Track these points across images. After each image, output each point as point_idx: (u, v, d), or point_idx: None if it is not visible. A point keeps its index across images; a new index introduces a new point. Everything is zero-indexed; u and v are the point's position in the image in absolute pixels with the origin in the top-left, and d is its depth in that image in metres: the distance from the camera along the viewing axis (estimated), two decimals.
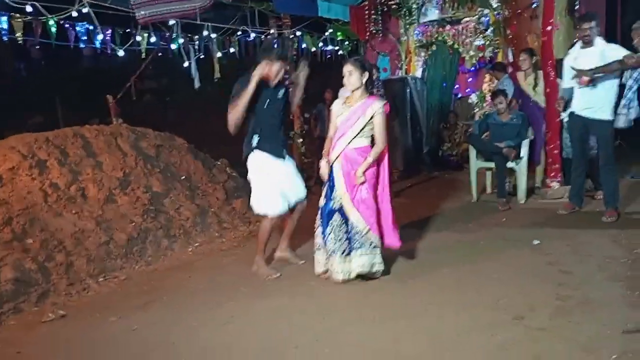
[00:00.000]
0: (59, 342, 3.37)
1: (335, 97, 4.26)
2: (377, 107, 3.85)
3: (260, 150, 4.11)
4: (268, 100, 4.09)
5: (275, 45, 4.46)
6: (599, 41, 5.01)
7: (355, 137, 3.87)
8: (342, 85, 4.07)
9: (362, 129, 3.86)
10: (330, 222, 3.89)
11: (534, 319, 3.14)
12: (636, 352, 2.68)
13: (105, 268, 4.56)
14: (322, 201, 3.98)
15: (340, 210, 3.88)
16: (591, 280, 3.68)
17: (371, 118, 3.85)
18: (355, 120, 3.86)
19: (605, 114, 5.03)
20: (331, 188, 3.93)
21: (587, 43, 5.00)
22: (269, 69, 4.04)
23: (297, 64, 4.28)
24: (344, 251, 3.86)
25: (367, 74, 3.88)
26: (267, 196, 4.14)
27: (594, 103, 5.02)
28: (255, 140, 4.10)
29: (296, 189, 4.28)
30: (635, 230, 4.67)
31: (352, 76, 3.85)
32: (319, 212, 4.00)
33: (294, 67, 7.37)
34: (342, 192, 3.88)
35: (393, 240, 4.00)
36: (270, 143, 4.13)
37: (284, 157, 4.23)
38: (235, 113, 4.00)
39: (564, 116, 5.45)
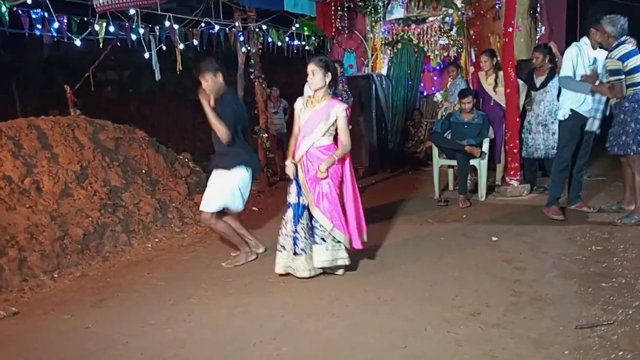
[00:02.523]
0: (10, 340, 3.26)
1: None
2: (339, 110, 3.86)
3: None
4: None
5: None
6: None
7: (318, 139, 3.88)
8: (305, 82, 4.05)
9: (325, 131, 3.87)
10: (301, 219, 3.90)
11: (489, 315, 3.20)
12: (587, 348, 2.76)
13: (60, 264, 4.44)
14: (292, 199, 3.95)
15: (309, 208, 3.91)
16: (545, 277, 3.77)
17: (335, 121, 3.86)
18: (318, 122, 3.87)
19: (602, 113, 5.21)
20: (299, 186, 3.93)
21: (597, 48, 5.07)
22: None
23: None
24: (311, 248, 3.89)
25: (330, 75, 3.87)
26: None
27: (596, 104, 5.14)
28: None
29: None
30: (590, 228, 4.82)
31: (315, 76, 3.84)
32: (289, 210, 3.96)
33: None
34: (305, 192, 3.89)
35: (355, 241, 3.99)
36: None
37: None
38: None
39: (563, 116, 5.31)
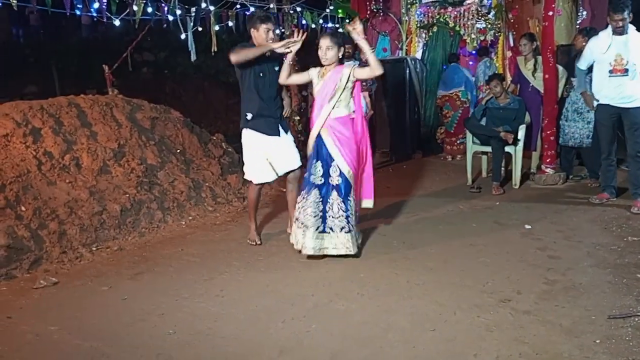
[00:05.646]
0: (50, 308, 3.40)
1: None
2: (348, 69, 3.95)
3: (251, 129, 4.27)
4: (261, 74, 4.18)
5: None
6: (630, 30, 4.84)
7: (334, 107, 3.95)
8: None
9: (340, 96, 3.93)
10: (329, 199, 3.95)
11: (520, 302, 3.19)
12: (619, 338, 2.73)
13: (98, 238, 4.58)
14: (318, 180, 3.98)
15: (338, 187, 3.94)
16: (579, 266, 3.72)
17: (347, 82, 3.92)
18: (332, 87, 3.93)
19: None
20: (326, 164, 3.96)
21: (620, 33, 4.83)
22: (264, 37, 4.16)
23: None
24: (342, 228, 3.93)
25: (342, 49, 4.01)
26: (252, 166, 4.37)
27: (630, 92, 4.87)
28: (249, 117, 4.25)
29: (287, 161, 4.39)
30: (627, 218, 4.71)
31: (330, 51, 3.94)
32: (315, 191, 3.97)
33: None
34: (346, 169, 3.94)
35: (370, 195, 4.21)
36: (262, 121, 4.25)
37: (277, 134, 4.31)
38: (242, 57, 4.07)
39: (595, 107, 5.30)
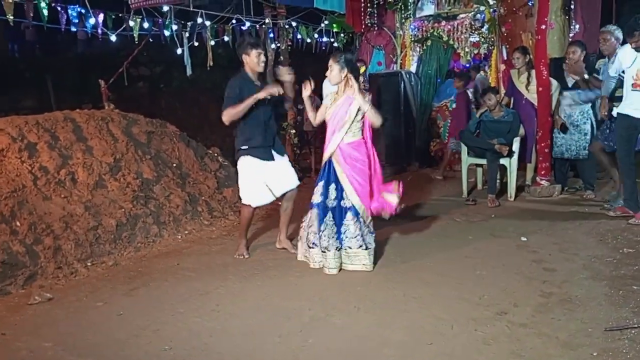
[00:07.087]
0: (45, 325, 3.37)
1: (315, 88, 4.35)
2: (355, 105, 3.96)
3: (249, 155, 4.35)
4: (254, 105, 4.22)
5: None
6: None
7: (346, 134, 4.00)
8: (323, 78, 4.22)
9: (351, 125, 3.98)
10: (326, 219, 4.00)
11: (517, 315, 3.19)
12: (617, 350, 2.73)
13: (94, 253, 4.56)
14: (331, 203, 4.02)
15: (351, 209, 3.98)
16: (575, 278, 3.72)
17: (357, 111, 3.96)
18: (342, 118, 3.98)
19: None
20: (339, 188, 4.01)
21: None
22: (256, 60, 4.28)
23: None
24: (360, 246, 3.98)
25: (345, 71, 3.98)
26: (250, 190, 4.41)
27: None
28: (244, 146, 4.34)
29: (284, 182, 4.47)
30: (622, 230, 4.72)
31: (331, 72, 4.03)
32: (329, 213, 4.02)
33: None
34: (345, 184, 3.98)
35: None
36: (258, 147, 4.34)
37: (271, 159, 4.40)
38: (233, 116, 4.23)
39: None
